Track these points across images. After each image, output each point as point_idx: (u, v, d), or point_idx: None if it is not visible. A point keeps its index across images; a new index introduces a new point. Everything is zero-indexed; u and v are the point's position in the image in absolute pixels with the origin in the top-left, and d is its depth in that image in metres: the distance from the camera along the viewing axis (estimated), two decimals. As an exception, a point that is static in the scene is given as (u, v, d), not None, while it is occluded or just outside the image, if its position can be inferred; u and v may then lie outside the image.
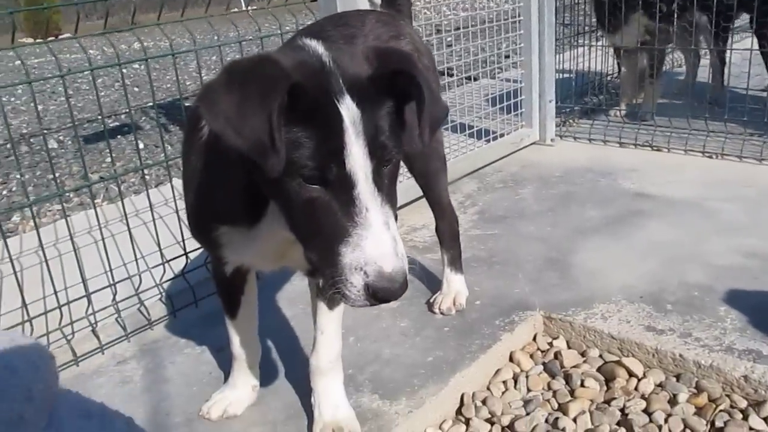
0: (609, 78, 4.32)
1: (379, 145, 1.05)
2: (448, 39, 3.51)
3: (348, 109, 1.02)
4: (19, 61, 2.14)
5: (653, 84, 4.04)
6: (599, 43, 4.32)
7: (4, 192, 4.27)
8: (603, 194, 3.00)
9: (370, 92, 1.06)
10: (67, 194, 3.95)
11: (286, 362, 1.93)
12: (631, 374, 1.88)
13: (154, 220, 2.31)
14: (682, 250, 2.41)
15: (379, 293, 1.02)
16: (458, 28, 3.53)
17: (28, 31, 13.05)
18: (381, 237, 1.03)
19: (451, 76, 3.63)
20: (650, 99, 4.07)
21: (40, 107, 6.75)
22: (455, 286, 2.17)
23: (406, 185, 2.90)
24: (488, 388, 1.89)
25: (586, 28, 4.53)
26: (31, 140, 5.55)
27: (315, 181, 1.04)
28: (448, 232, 2.21)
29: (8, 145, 5.31)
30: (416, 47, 1.96)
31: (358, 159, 1.02)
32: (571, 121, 4.16)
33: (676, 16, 3.66)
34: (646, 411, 1.75)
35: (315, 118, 1.02)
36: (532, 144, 3.73)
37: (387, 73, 1.08)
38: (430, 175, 2.11)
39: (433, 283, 2.29)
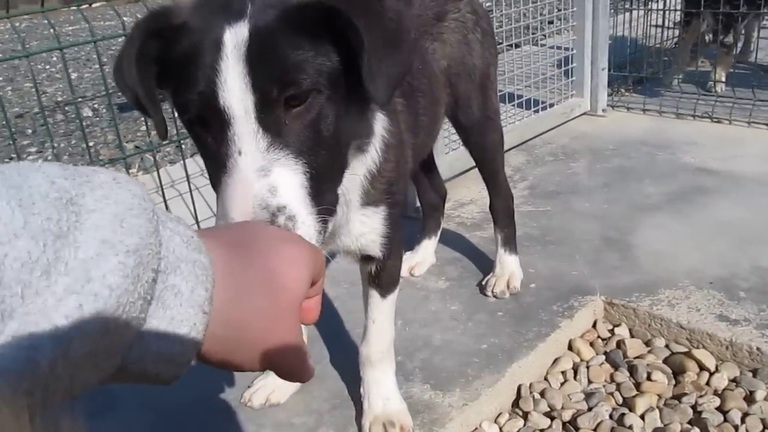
0: (666, 44, 4.07)
1: (270, 75, 0.88)
2: (488, 4, 3.33)
3: (234, 36, 0.88)
4: (53, 30, 2.04)
5: (726, 52, 3.78)
6: (655, 6, 4.07)
7: (40, 161, 4.23)
8: (661, 169, 2.82)
9: (281, 25, 0.91)
10: (103, 164, 3.87)
11: (332, 347, 1.82)
12: (702, 368, 1.74)
13: (191, 191, 2.22)
14: (753, 231, 2.23)
15: None
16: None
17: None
18: (244, 184, 0.85)
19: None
20: (722, 68, 3.81)
21: (74, 75, 6.71)
22: (509, 268, 2.03)
23: (452, 157, 2.77)
24: (546, 379, 1.76)
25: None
26: (66, 108, 5.50)
27: (196, 120, 0.92)
28: (503, 211, 2.06)
29: (43, 113, 5.28)
30: (474, 9, 1.81)
31: (233, 91, 0.87)
32: (623, 90, 3.95)
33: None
34: (719, 409, 1.61)
35: (197, 54, 0.90)
36: (582, 114, 3.54)
37: (318, 6, 0.91)
38: (486, 149, 1.96)
39: (484, 264, 2.16)
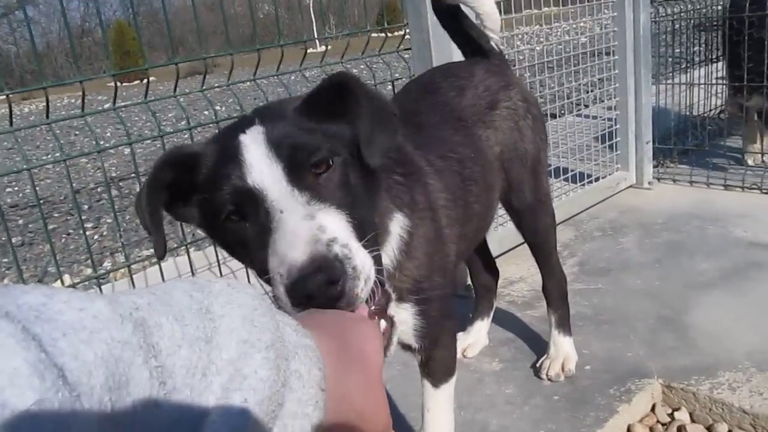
0: (711, 113, 4.07)
1: (288, 148, 0.96)
2: (528, 75, 3.40)
3: (250, 134, 0.98)
4: (108, 104, 2.15)
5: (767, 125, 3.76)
6: (701, 79, 4.10)
7: (96, 236, 4.37)
8: (713, 244, 2.79)
9: (292, 118, 1.02)
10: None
11: (387, 432, 1.82)
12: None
13: (246, 267, 2.27)
14: (813, 309, 2.19)
15: (291, 292, 0.85)
16: (539, 64, 3.41)
17: (116, 76, 13.67)
18: (294, 229, 0.89)
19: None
20: (767, 140, 3.79)
21: (127, 150, 6.98)
22: (564, 350, 2.02)
23: (501, 234, 2.79)
24: (607, 467, 1.73)
25: (683, 62, 4.34)
26: (120, 184, 5.71)
27: (231, 213, 0.98)
28: (556, 292, 2.07)
29: (99, 189, 5.49)
30: (525, 97, 1.86)
31: (259, 168, 0.95)
32: (669, 162, 3.95)
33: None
34: (789, 499, 1.55)
35: (219, 162, 1.00)
36: (628, 187, 3.54)
37: (321, 91, 1.04)
38: (538, 231, 1.98)
39: (537, 344, 2.15)
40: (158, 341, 0.47)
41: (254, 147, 0.96)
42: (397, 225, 1.27)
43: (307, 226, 0.89)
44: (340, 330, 0.68)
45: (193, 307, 0.52)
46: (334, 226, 0.90)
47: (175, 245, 2.88)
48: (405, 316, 1.31)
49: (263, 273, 0.96)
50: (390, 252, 1.25)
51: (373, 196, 1.10)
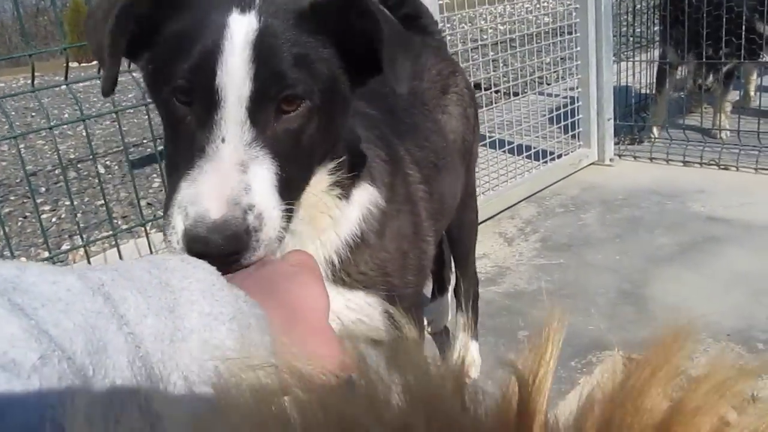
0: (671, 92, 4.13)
1: (273, 71, 0.86)
2: (492, 54, 3.40)
3: (243, 22, 0.87)
4: (65, 86, 2.09)
5: (724, 100, 3.83)
6: (653, 57, 4.15)
7: (54, 219, 4.27)
8: (672, 218, 2.84)
9: (293, 23, 0.90)
10: (116, 220, 3.92)
11: None
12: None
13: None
14: (767, 280, 2.24)
15: (189, 242, 0.80)
16: (502, 42, 3.41)
17: (73, 56, 13.33)
18: (222, 174, 0.82)
19: (497, 92, 3.51)
20: (723, 115, 3.86)
21: (84, 132, 6.82)
22: (470, 355, 1.97)
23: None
24: (568, 438, 1.75)
25: (642, 40, 4.38)
26: (79, 165, 5.58)
27: (180, 94, 0.87)
28: (470, 293, 2.00)
29: (56, 171, 5.36)
30: (468, 85, 1.83)
31: (233, 74, 0.84)
32: (630, 139, 3.99)
33: (744, 28, 3.48)
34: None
35: (199, 26, 0.87)
36: (590, 165, 3.58)
37: (331, 2, 0.92)
38: (464, 227, 1.91)
39: (499, 319, 2.16)
40: (125, 312, 0.51)
41: (240, 44, 0.85)
42: (365, 196, 1.15)
43: (236, 179, 0.82)
44: (277, 289, 0.71)
45: (153, 281, 0.56)
46: (260, 187, 0.84)
47: (135, 225, 2.83)
48: (371, 312, 1.19)
49: (171, 171, 0.90)
50: (353, 228, 1.13)
51: (321, 154, 1.01)
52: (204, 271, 0.60)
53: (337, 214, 1.10)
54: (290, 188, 0.91)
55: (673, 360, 0.35)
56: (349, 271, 1.14)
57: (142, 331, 0.51)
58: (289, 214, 0.90)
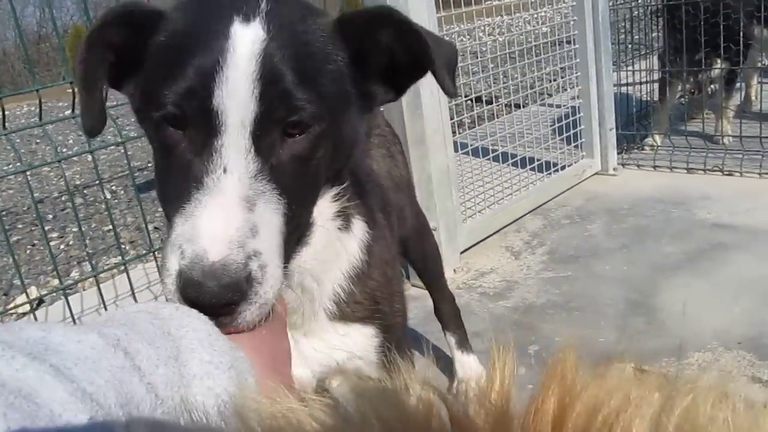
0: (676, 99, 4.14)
1: (282, 91, 0.75)
2: (492, 66, 3.42)
3: (247, 31, 0.75)
4: (69, 111, 2.12)
5: (726, 106, 3.84)
6: (653, 65, 4.16)
7: (62, 246, 4.30)
8: (678, 227, 2.84)
9: (310, 36, 0.81)
10: (123, 246, 3.94)
11: None
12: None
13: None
14: (776, 286, 2.24)
15: (186, 287, 0.69)
16: (501, 55, 3.43)
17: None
18: (225, 211, 0.72)
19: (499, 105, 3.53)
20: (725, 120, 3.87)
21: (90, 157, 6.86)
22: (473, 368, 1.98)
23: (469, 226, 2.81)
24: (583, 452, 1.75)
25: (643, 48, 4.40)
26: (85, 191, 5.62)
27: (173, 118, 0.76)
28: (451, 313, 2.01)
29: (63, 198, 5.39)
30: (387, 122, 1.84)
31: (237, 94, 0.73)
32: (633, 148, 4.00)
33: (742, 34, 3.50)
34: (762, 475, 1.59)
35: (190, 42, 0.77)
36: (594, 175, 3.59)
37: (359, 16, 0.86)
38: (427, 255, 1.94)
39: (506, 334, 2.17)
40: (140, 364, 0.55)
41: (245, 58, 0.74)
42: (361, 231, 1.08)
43: (242, 218, 0.72)
44: (261, 341, 0.75)
45: (157, 332, 0.59)
46: (267, 234, 0.74)
47: (144, 252, 2.85)
48: (366, 345, 1.12)
49: (166, 206, 0.81)
50: (353, 260, 1.06)
51: (322, 181, 0.91)
52: (198, 320, 0.64)
53: (339, 247, 1.02)
54: (296, 229, 0.83)
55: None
56: (348, 303, 1.07)
57: (155, 380, 0.55)
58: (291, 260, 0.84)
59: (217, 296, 0.69)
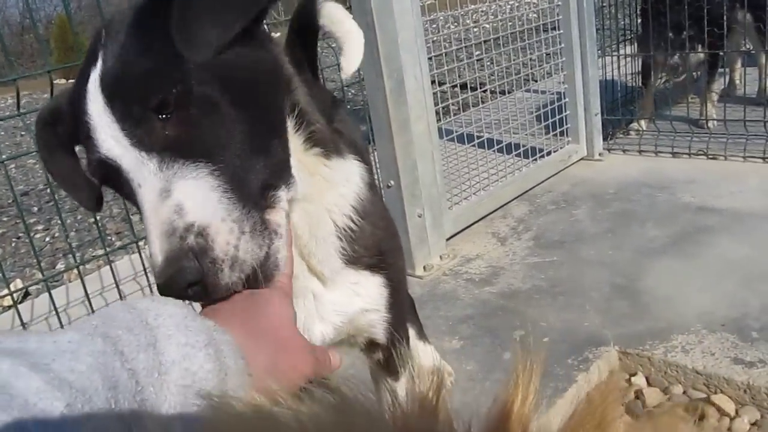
0: (657, 84, 4.15)
1: (125, 97, 0.79)
2: (477, 53, 3.42)
3: (92, 85, 0.81)
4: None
5: (710, 90, 3.86)
6: (637, 51, 4.17)
7: (48, 239, 4.27)
8: (663, 211, 2.85)
9: (131, 32, 0.82)
10: (109, 237, 3.92)
11: None
12: (722, 413, 1.74)
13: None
14: (759, 268, 2.25)
15: (161, 292, 0.74)
16: (486, 41, 3.43)
17: (61, 73, 13.27)
18: (151, 216, 0.76)
19: (485, 91, 3.52)
20: (710, 104, 3.87)
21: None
22: (429, 356, 1.95)
23: (455, 213, 2.81)
24: (568, 435, 1.76)
25: (627, 33, 4.40)
26: (70, 183, 5.57)
27: (106, 183, 0.86)
28: (410, 305, 1.94)
29: (48, 190, 5.34)
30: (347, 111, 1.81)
31: (103, 132, 0.79)
32: (618, 132, 4.01)
33: (725, 18, 3.51)
34: (744, 454, 1.61)
35: (76, 123, 0.84)
36: (580, 160, 3.59)
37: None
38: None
39: (496, 320, 2.17)
40: (122, 349, 0.55)
41: (94, 98, 0.80)
42: (356, 168, 1.08)
43: (165, 210, 0.75)
44: (243, 310, 0.75)
45: (136, 321, 0.60)
46: (192, 203, 0.76)
47: (128, 242, 2.83)
48: (373, 291, 1.13)
49: None
50: (355, 188, 1.07)
51: (271, 130, 0.89)
52: (174, 305, 0.65)
53: (326, 172, 1.01)
54: (256, 177, 0.83)
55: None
56: (357, 241, 1.07)
57: (136, 366, 0.56)
58: (278, 192, 0.85)
59: (179, 283, 0.73)
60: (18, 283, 3.22)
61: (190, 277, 0.73)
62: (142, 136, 0.79)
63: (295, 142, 0.95)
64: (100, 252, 3.66)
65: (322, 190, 1.01)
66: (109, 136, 0.79)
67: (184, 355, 0.60)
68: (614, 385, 0.37)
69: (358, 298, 1.12)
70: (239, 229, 0.78)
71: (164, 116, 0.79)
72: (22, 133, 8.21)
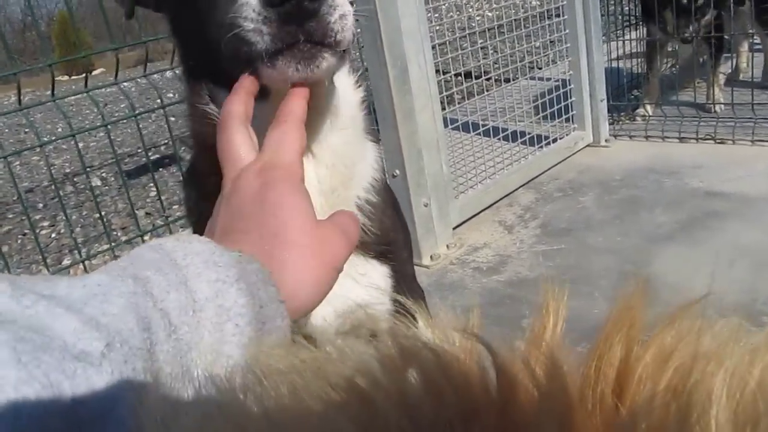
0: (663, 69, 4.12)
1: None
2: (480, 41, 3.39)
3: None
4: (57, 100, 2.09)
5: (716, 73, 3.82)
6: (642, 35, 4.13)
7: (53, 235, 4.27)
8: (670, 196, 2.83)
9: None
10: (114, 232, 3.92)
11: None
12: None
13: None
14: (769, 252, 2.23)
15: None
16: (489, 29, 3.40)
17: (63, 69, 13.29)
18: None
19: (489, 79, 3.50)
20: (717, 88, 3.84)
21: (80, 144, 6.81)
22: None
23: (461, 202, 2.79)
24: (578, 424, 1.75)
25: (631, 18, 4.36)
26: (75, 179, 5.57)
27: None
28: (418, 298, 1.92)
29: (54, 186, 5.35)
30: None
31: None
32: (624, 118, 3.98)
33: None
34: (757, 440, 1.59)
35: None
36: (586, 147, 3.57)
37: None
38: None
39: (504, 309, 2.16)
40: (151, 289, 0.54)
41: None
42: (375, 150, 1.08)
43: None
44: (258, 222, 0.70)
45: (164, 261, 0.58)
46: None
47: (133, 236, 2.82)
48: (381, 285, 1.11)
49: (218, 24, 0.82)
50: (372, 170, 1.06)
51: None
52: (199, 242, 0.62)
53: (362, 145, 1.03)
54: None
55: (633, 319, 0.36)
56: (373, 220, 1.05)
57: (167, 306, 0.54)
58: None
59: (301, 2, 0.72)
60: (24, 280, 3.22)
61: (314, 4, 0.74)
62: None
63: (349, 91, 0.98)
64: (106, 247, 3.67)
65: (352, 150, 1.00)
66: None
67: (217, 291, 0.58)
68: (639, 294, 0.36)
69: (364, 290, 1.08)
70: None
71: None
72: (26, 130, 8.22)
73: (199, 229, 0.99)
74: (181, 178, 1.19)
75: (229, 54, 0.80)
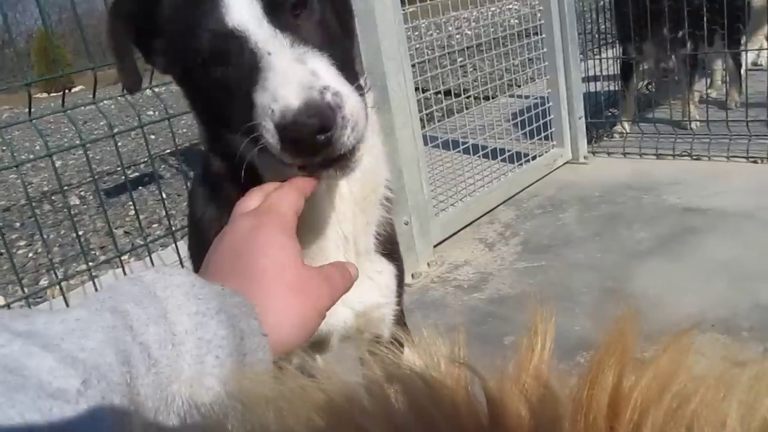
0: (639, 87, 4.18)
1: None
2: (460, 60, 3.42)
3: None
4: (34, 117, 2.07)
5: (691, 89, 3.88)
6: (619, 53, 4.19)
7: (30, 254, 4.21)
8: (649, 212, 2.86)
9: None
10: (93, 252, 3.88)
11: None
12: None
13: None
14: (747, 267, 2.26)
15: (287, 132, 0.81)
16: (468, 47, 3.43)
17: (42, 86, 13.19)
18: (287, 70, 0.84)
19: (469, 97, 3.53)
20: (693, 105, 3.90)
21: (58, 163, 6.74)
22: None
23: (442, 220, 2.80)
24: (561, 441, 1.75)
25: (608, 37, 4.43)
26: (53, 198, 5.51)
27: (209, 55, 0.90)
28: None
29: (31, 204, 5.29)
30: None
31: (238, 7, 0.87)
32: (602, 135, 4.02)
33: (705, 19, 3.54)
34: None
35: (190, 6, 0.91)
36: (565, 164, 3.60)
37: None
38: None
39: (485, 327, 2.16)
40: (131, 323, 0.54)
41: None
42: (382, 151, 1.16)
43: (300, 69, 0.84)
44: (245, 261, 0.73)
45: (144, 293, 0.58)
46: (326, 72, 0.85)
47: (112, 256, 2.79)
48: (389, 286, 1.19)
49: (241, 121, 0.90)
50: (386, 183, 1.15)
51: (351, 40, 1.04)
52: (180, 275, 0.62)
53: (381, 159, 1.12)
54: (346, 74, 0.91)
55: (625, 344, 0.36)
56: (385, 225, 1.14)
57: (147, 340, 0.54)
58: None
59: (312, 126, 0.80)
60: (0, 300, 3.17)
61: (327, 123, 0.80)
62: (278, 18, 0.88)
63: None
64: (84, 267, 3.62)
65: (376, 162, 1.09)
66: (245, 11, 0.87)
67: (197, 323, 0.58)
68: (631, 318, 0.35)
69: (377, 290, 1.16)
70: (359, 98, 0.86)
71: (297, 12, 0.90)
72: (4, 148, 8.13)
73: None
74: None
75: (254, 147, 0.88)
